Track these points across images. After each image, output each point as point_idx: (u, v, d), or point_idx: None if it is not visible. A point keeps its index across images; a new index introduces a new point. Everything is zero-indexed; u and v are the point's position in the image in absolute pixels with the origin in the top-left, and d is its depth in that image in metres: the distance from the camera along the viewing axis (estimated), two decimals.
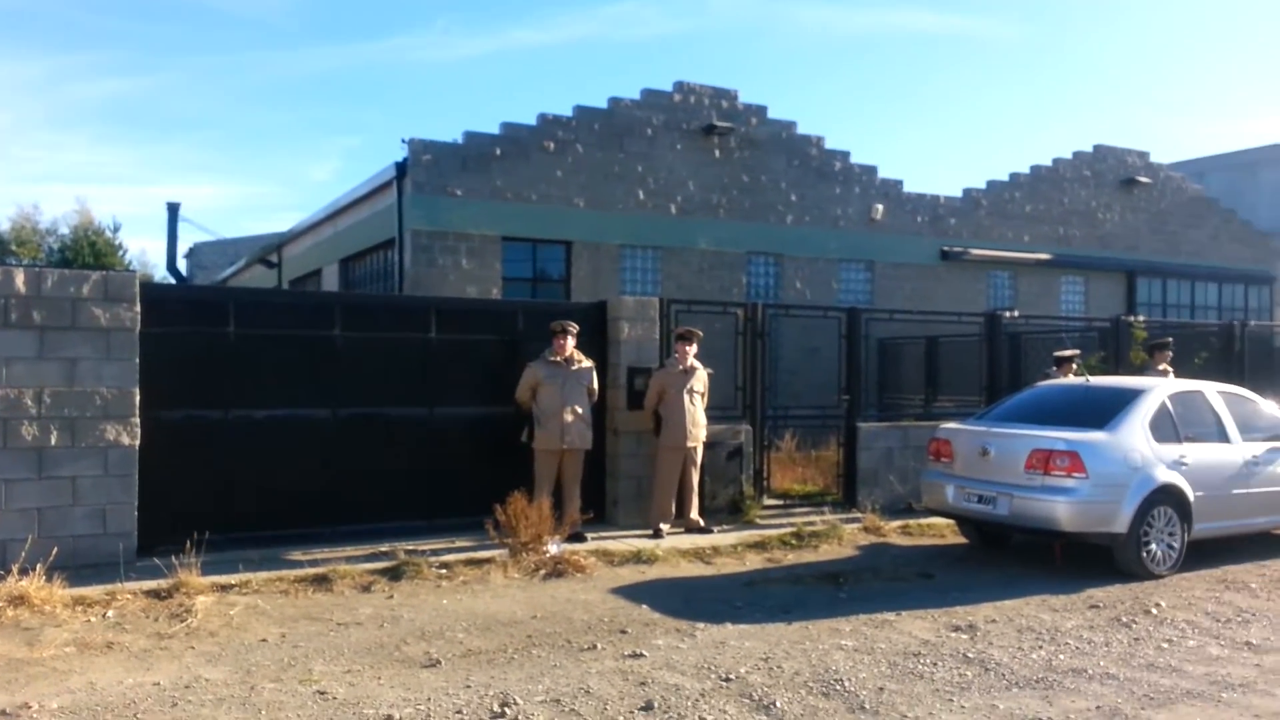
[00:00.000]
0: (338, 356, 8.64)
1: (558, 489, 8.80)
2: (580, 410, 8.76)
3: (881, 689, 4.95)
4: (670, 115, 17.40)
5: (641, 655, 5.45)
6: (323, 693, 4.85)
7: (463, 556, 7.83)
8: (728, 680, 5.05)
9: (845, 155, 19.20)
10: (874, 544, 9.14)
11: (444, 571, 7.43)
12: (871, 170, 19.51)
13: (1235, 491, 8.40)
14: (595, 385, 9.06)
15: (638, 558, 8.13)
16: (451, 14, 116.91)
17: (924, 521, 9.86)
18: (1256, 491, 8.54)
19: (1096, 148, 22.43)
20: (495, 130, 16.17)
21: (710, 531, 9.32)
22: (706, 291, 16.46)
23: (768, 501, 10.66)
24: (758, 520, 9.90)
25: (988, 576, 7.74)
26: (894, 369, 16.49)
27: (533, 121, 16.43)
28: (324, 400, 8.57)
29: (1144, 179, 22.73)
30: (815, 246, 18.75)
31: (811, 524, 9.54)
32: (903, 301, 17.98)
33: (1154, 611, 6.62)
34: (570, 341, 8.81)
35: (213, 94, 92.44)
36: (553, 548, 7.84)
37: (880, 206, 19.42)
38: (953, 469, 8.64)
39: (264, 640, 5.75)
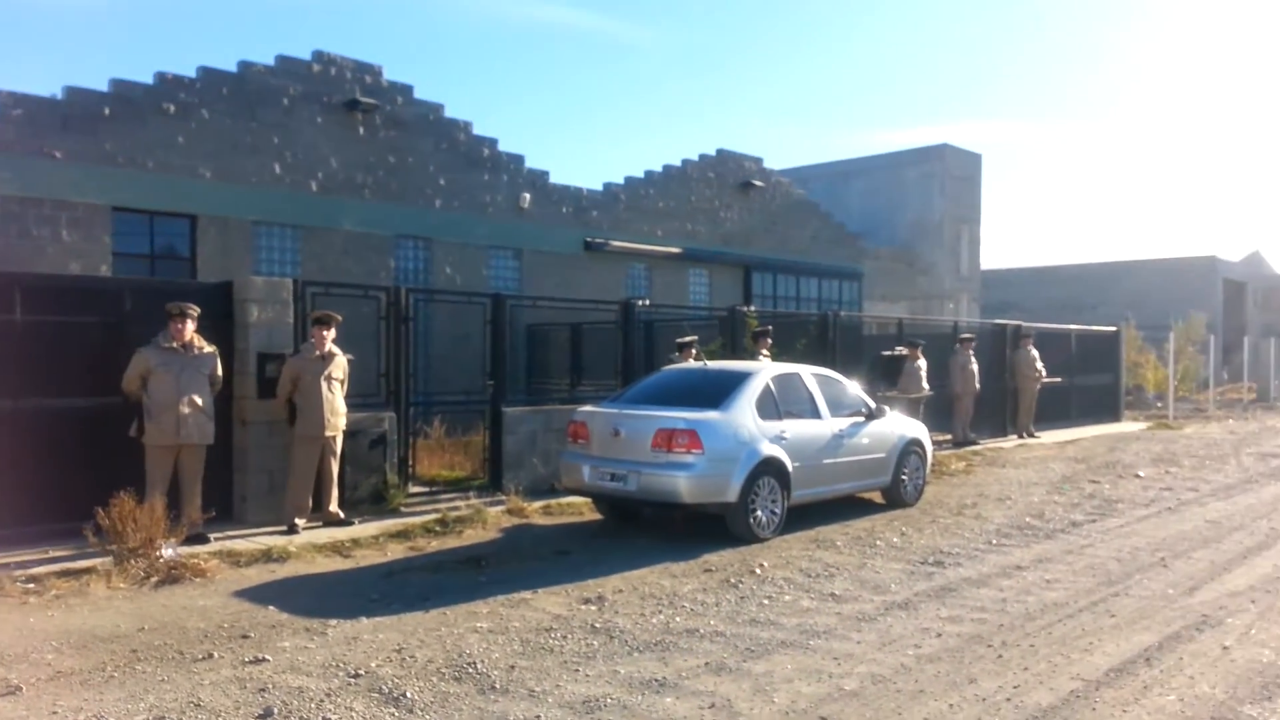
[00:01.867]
0: None
1: (175, 487, 8.04)
2: (199, 401, 8.05)
3: (513, 667, 5.06)
4: (309, 86, 16.49)
5: (264, 660, 5.13)
6: None
7: (57, 568, 6.92)
8: (357, 676, 4.91)
9: (494, 143, 19.35)
10: (517, 526, 9.33)
11: (32, 586, 6.51)
12: (519, 159, 19.82)
13: (826, 461, 9.58)
14: (219, 373, 8.37)
15: (268, 556, 7.66)
16: None
17: (565, 501, 10.22)
18: (843, 461, 9.80)
19: (719, 152, 24.49)
20: (104, 87, 14.39)
21: (350, 523, 9.01)
22: (353, 274, 15.84)
23: (414, 489, 10.50)
24: (402, 509, 9.73)
25: (619, 550, 8.19)
26: (542, 354, 16.91)
27: (150, 80, 14.82)
28: None
29: (759, 183, 25.19)
30: (465, 232, 18.73)
31: (456, 509, 9.55)
32: (550, 289, 18.48)
33: (758, 571, 7.37)
34: (189, 325, 8.07)
35: None
36: (167, 552, 7.16)
37: (528, 196, 19.81)
38: (589, 449, 9.04)
39: None
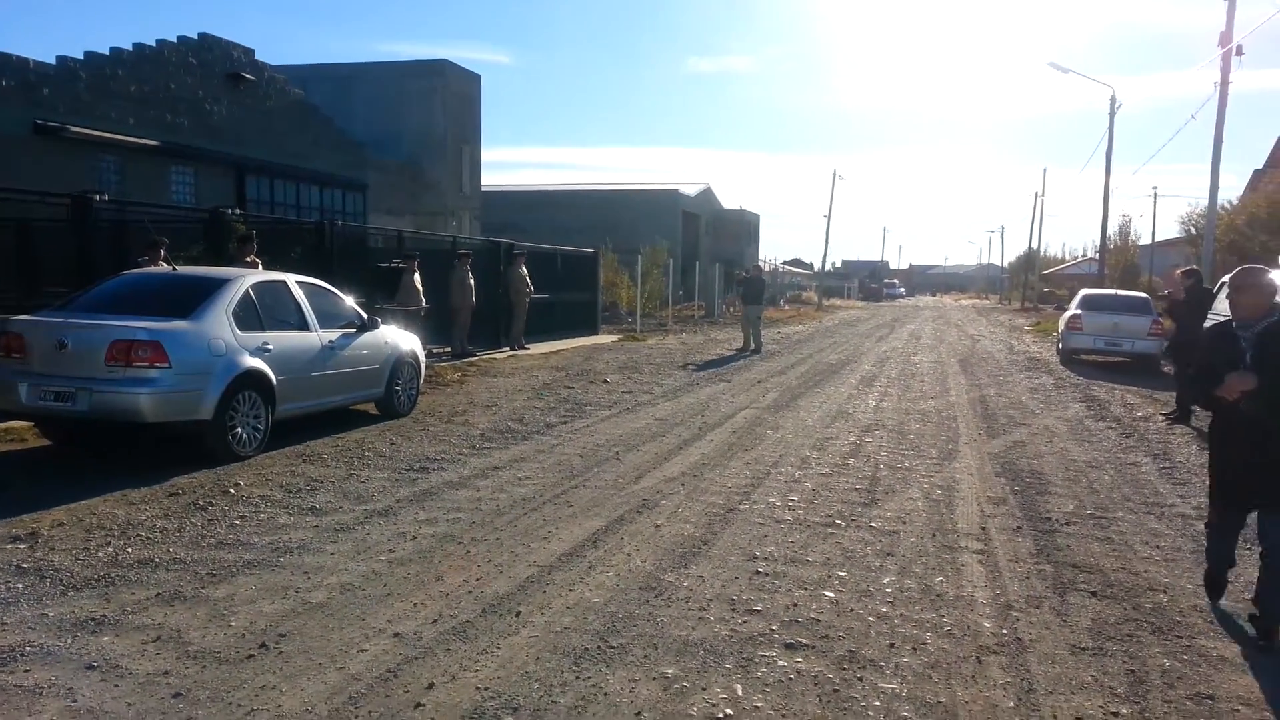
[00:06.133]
0: None
1: None
2: None
3: None
4: None
5: None
6: None
7: None
8: None
9: None
10: None
11: None
12: None
13: (316, 374, 9.28)
14: None
15: None
16: None
17: (2, 427, 8.75)
18: (334, 373, 9.57)
19: (202, 36, 22.05)
20: None
21: None
22: None
23: None
24: None
25: (67, 479, 7.20)
26: None
27: None
28: None
29: (250, 76, 23.19)
30: None
31: None
32: None
33: (233, 491, 6.96)
34: None
35: None
36: None
37: None
38: (28, 364, 7.77)
39: None
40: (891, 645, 4.32)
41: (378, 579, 5.08)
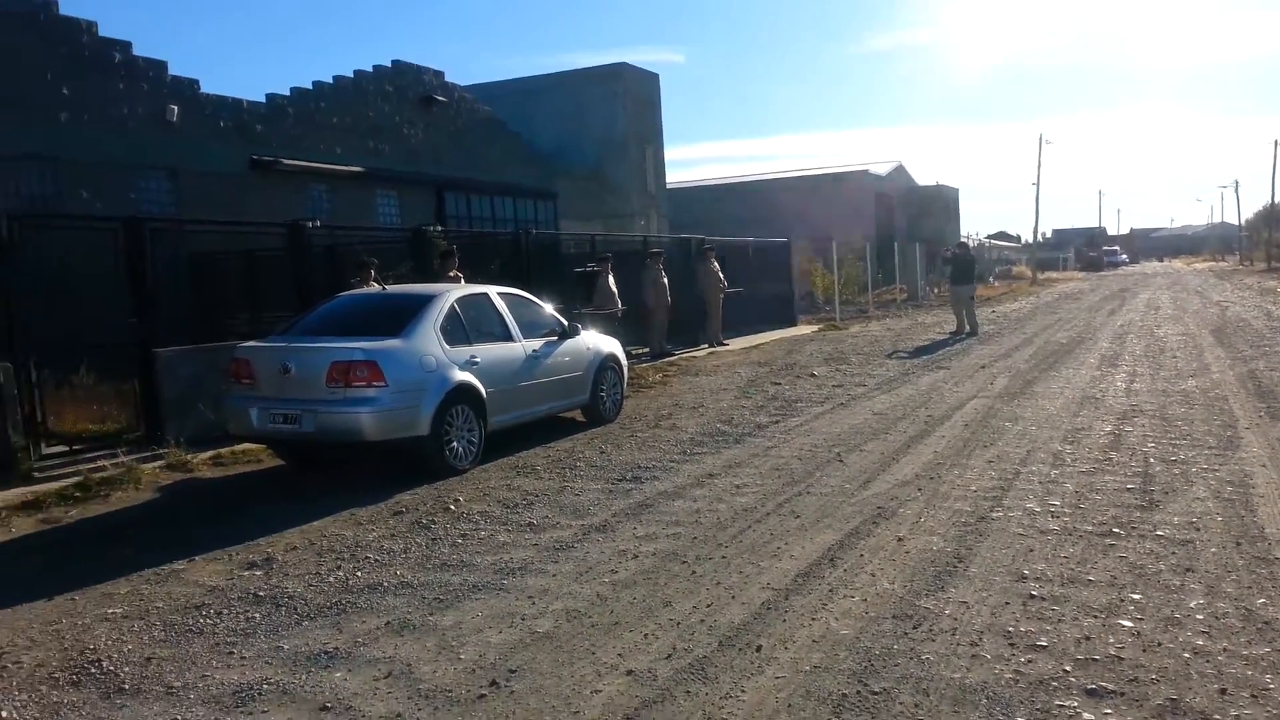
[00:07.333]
0: None
1: None
2: None
3: (149, 659, 4.25)
4: None
5: None
6: None
7: None
8: None
9: (127, 46, 16.81)
10: (179, 482, 8.26)
11: None
12: (161, 66, 17.40)
13: (523, 384, 9.22)
14: None
15: None
16: None
17: (240, 449, 9.21)
18: (540, 382, 9.49)
19: (395, 63, 22.95)
20: None
21: None
22: None
23: (51, 450, 9.06)
24: (35, 474, 8.32)
25: (300, 499, 7.37)
26: (216, 287, 15.09)
27: None
28: None
29: (441, 98, 23.98)
30: (101, 150, 16.21)
31: (102, 470, 8.30)
32: (215, 214, 16.51)
33: (453, 508, 6.89)
34: None
35: None
36: None
37: (175, 108, 17.50)
38: (256, 390, 8.08)
39: None
40: (1223, 691, 3.54)
41: (603, 604, 4.76)
